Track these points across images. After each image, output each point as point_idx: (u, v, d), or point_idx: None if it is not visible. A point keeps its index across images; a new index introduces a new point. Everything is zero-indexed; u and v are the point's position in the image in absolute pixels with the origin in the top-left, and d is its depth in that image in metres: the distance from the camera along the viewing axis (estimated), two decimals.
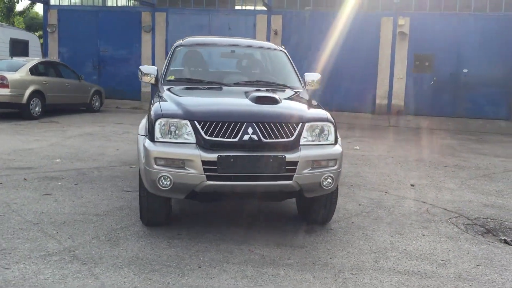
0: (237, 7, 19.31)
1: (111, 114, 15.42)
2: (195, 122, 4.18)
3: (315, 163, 4.25)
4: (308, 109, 4.60)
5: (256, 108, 4.36)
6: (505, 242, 4.77)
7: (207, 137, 4.13)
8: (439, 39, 16.65)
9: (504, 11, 16.32)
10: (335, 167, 4.37)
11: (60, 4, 19.55)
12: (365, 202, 5.95)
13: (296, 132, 4.27)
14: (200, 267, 3.83)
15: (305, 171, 4.20)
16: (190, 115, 4.22)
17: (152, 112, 4.37)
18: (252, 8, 18.94)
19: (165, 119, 4.21)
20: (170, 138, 4.20)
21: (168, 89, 5.06)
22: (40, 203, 5.37)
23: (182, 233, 4.58)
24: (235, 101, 4.56)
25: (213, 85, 5.29)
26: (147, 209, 4.50)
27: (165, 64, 5.56)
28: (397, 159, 9.30)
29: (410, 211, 5.65)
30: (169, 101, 4.58)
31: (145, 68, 5.51)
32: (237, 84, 5.33)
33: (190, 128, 4.18)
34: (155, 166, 4.11)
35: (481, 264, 4.14)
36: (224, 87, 5.19)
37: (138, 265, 3.80)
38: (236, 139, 4.14)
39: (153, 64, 18.44)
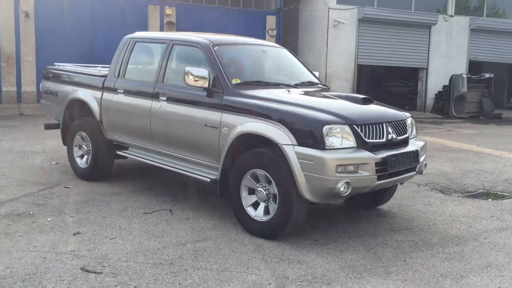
0: None
1: None
2: (354, 126, 4.26)
3: (422, 153, 4.90)
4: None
5: (383, 109, 4.73)
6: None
7: (367, 140, 4.30)
8: (204, 30, 17.83)
9: (254, 7, 18.74)
10: (425, 155, 5.11)
11: None
12: None
13: (408, 127, 4.82)
14: (405, 260, 4.18)
15: (421, 160, 4.82)
16: (349, 120, 4.31)
17: (305, 119, 4.27)
18: None
19: (329, 126, 4.17)
20: (332, 144, 4.14)
21: (252, 94, 4.72)
22: (104, 244, 4.22)
23: (316, 238, 4.57)
24: (351, 103, 4.73)
25: (281, 87, 5.14)
26: (295, 218, 4.31)
27: (214, 66, 4.90)
28: None
29: None
30: (298, 107, 4.42)
31: (197, 70, 4.77)
32: (296, 85, 5.36)
33: (349, 132, 4.21)
34: (336, 174, 4.03)
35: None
36: (290, 89, 5.13)
37: (351, 271, 3.92)
38: (384, 139, 4.43)
39: None
